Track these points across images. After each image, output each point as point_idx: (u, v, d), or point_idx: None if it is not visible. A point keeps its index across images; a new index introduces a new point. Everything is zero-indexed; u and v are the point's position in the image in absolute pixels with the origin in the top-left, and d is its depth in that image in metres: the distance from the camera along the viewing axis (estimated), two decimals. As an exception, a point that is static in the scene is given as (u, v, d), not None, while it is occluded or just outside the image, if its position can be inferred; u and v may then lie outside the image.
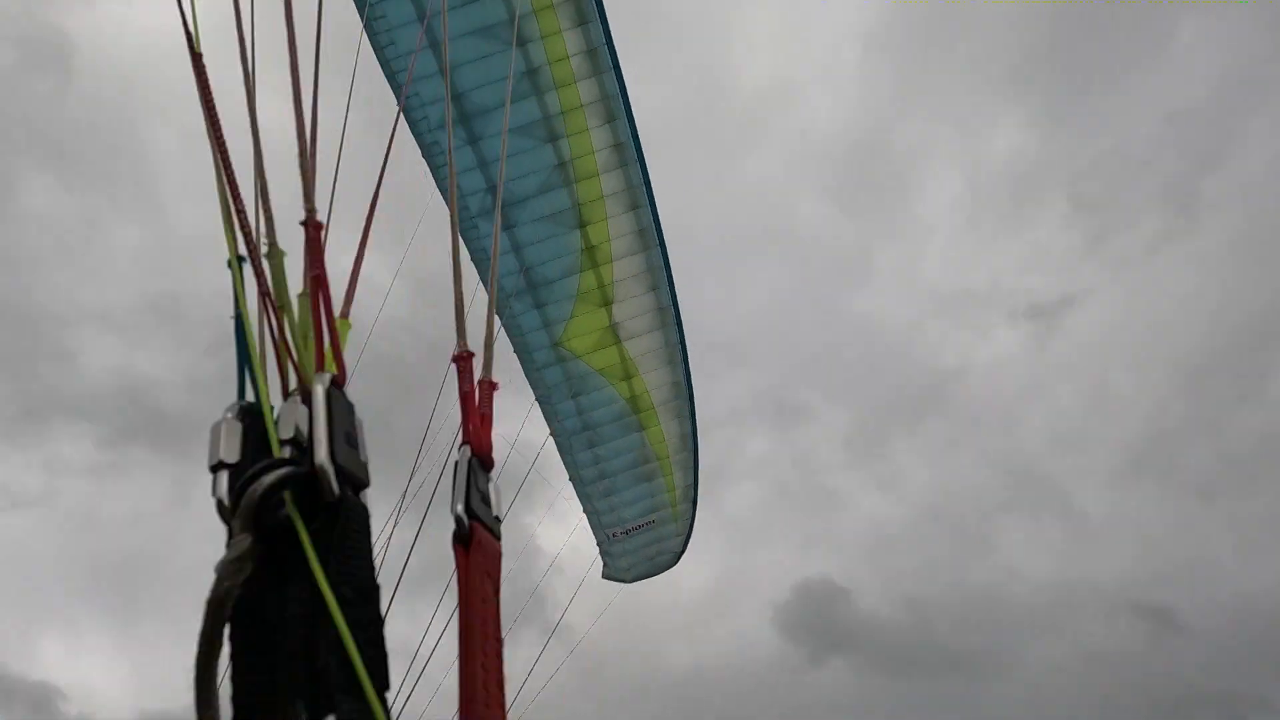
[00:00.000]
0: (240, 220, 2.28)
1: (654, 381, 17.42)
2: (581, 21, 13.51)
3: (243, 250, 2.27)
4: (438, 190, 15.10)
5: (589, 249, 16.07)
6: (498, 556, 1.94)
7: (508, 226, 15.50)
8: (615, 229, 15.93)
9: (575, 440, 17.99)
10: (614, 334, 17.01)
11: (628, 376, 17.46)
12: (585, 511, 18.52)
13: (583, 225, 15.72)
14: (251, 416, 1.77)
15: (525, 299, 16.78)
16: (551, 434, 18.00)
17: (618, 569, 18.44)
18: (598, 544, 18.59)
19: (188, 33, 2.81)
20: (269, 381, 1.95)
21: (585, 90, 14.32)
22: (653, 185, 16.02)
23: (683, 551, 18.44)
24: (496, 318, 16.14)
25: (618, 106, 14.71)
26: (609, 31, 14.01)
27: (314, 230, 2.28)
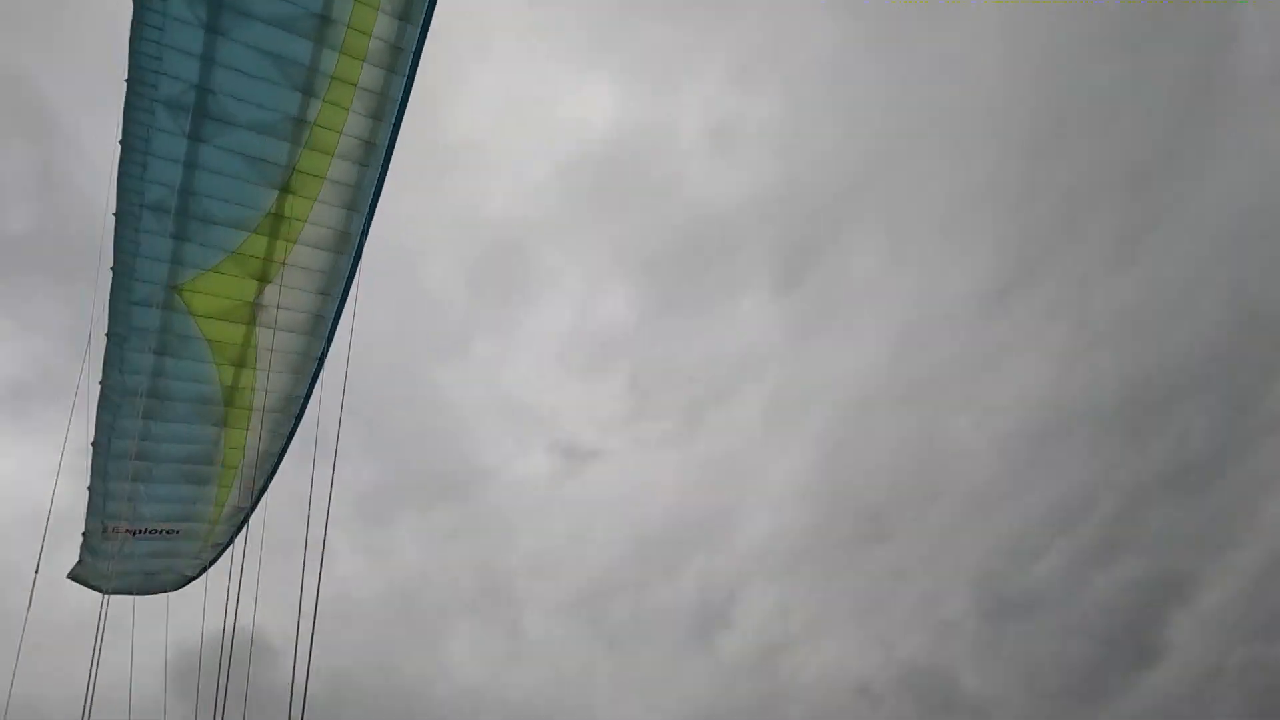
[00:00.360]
0: None
1: (269, 384, 15.22)
2: (404, 17, 12.64)
3: None
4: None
5: (278, 217, 14.00)
6: None
7: (197, 138, 12.79)
8: (318, 216, 14.25)
9: (129, 402, 14.45)
10: (252, 314, 14.67)
11: (240, 365, 14.99)
12: (90, 488, 14.61)
13: (285, 191, 13.75)
14: None
15: (164, 221, 13.66)
16: (101, 381, 14.22)
17: (97, 573, 14.52)
18: (84, 532, 14.58)
19: None
20: None
21: (368, 75, 13.13)
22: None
23: (194, 578, 15.44)
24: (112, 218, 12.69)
25: (391, 111, 13.73)
26: (424, 42, 13.33)
27: None
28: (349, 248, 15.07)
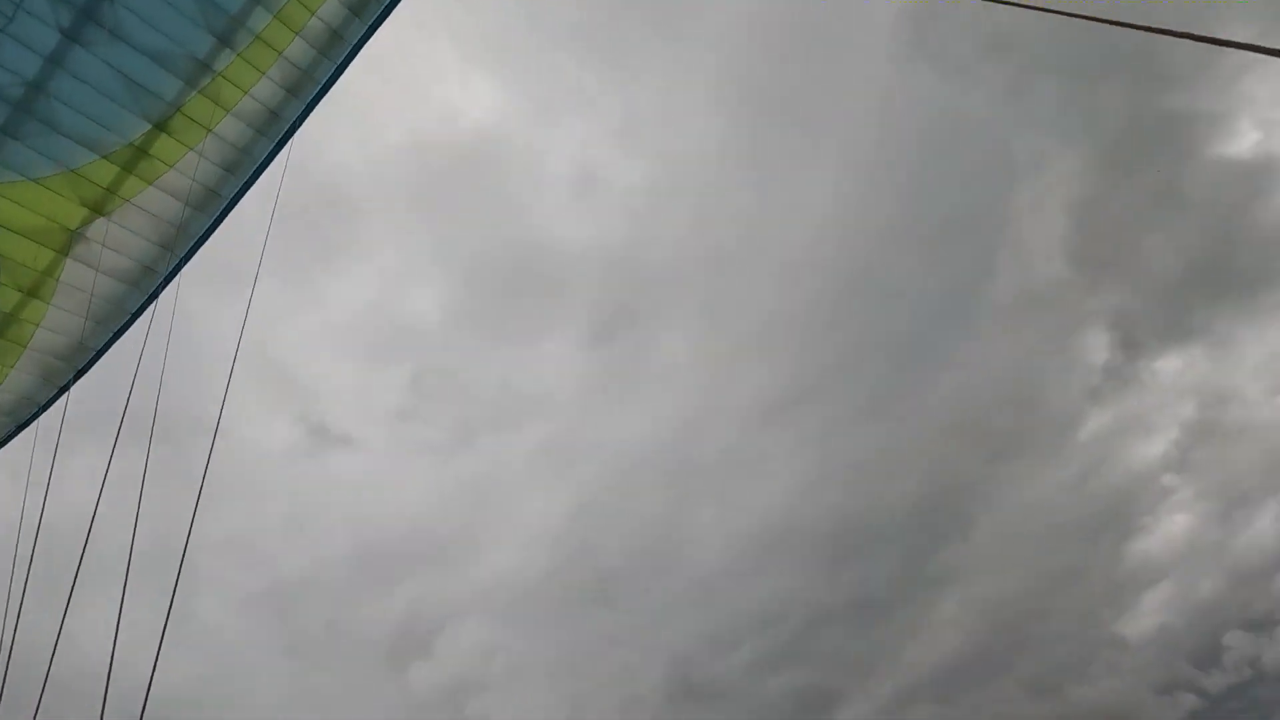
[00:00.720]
0: None
1: (59, 323, 13.14)
2: (355, 10, 12.20)
3: None
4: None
5: (140, 152, 12.50)
6: None
7: (74, 39, 11.27)
8: (189, 166, 12.90)
9: None
10: (69, 244, 12.75)
11: (32, 294, 12.86)
12: None
13: (160, 129, 12.37)
14: None
15: (-4, 109, 11.74)
16: None
17: None
18: None
19: None
20: None
21: (297, 49, 12.41)
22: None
23: None
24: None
25: (309, 91, 12.99)
26: (367, 40, 12.89)
27: None
28: (212, 208, 13.72)
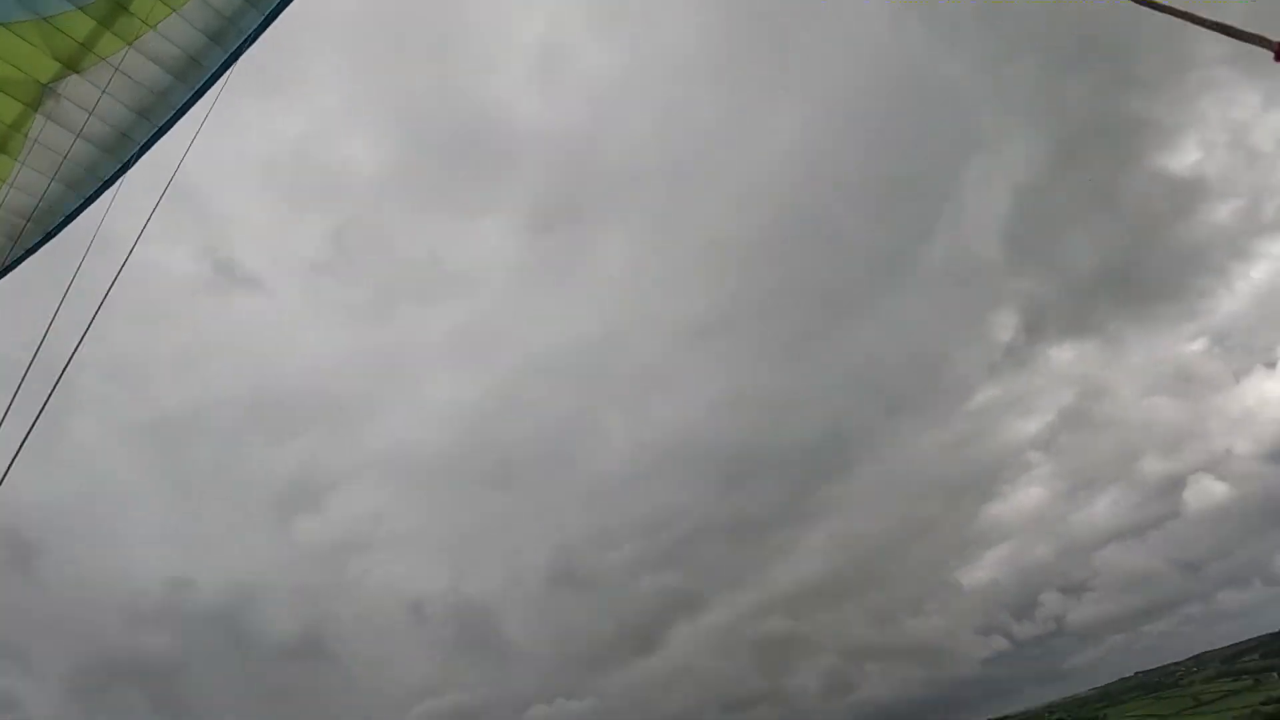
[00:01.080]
0: None
1: (28, 183, 12.62)
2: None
3: None
4: None
5: (119, 8, 11.76)
6: None
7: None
8: (172, 30, 12.25)
9: None
10: (39, 98, 12.10)
11: (0, 149, 12.28)
12: None
13: (141, -14, 11.57)
14: None
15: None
16: None
17: None
18: None
19: None
20: None
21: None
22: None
23: None
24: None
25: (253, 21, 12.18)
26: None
27: None
28: (192, 79, 13.06)
